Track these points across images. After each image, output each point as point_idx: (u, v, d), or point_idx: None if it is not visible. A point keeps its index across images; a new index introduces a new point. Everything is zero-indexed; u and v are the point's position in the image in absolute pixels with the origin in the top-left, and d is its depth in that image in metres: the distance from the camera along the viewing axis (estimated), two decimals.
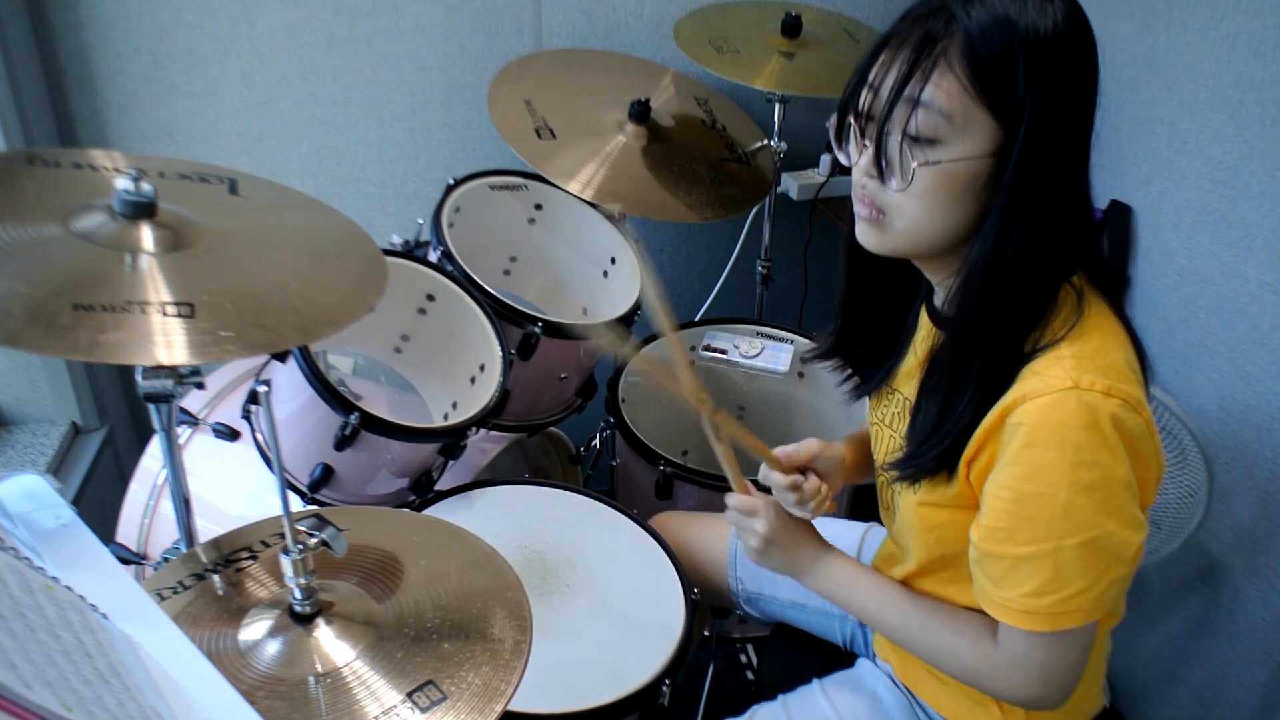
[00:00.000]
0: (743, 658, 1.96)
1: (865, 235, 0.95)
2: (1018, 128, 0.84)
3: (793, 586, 1.35)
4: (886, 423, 1.10)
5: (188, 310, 0.94)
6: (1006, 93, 0.84)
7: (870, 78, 0.90)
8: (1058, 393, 0.85)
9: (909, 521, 1.05)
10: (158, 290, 0.95)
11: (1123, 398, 0.85)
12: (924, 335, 1.04)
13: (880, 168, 0.90)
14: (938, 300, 1.02)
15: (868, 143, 0.90)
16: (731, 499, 1.13)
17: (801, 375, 1.84)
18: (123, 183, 1.01)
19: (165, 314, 0.93)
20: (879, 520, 1.31)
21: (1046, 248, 0.88)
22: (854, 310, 1.11)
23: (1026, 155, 0.85)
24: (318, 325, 1.01)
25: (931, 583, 1.08)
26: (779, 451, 1.16)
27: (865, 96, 0.90)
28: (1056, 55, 0.84)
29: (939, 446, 0.94)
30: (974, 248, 0.89)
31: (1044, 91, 0.84)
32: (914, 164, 0.87)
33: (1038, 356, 0.89)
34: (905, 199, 0.89)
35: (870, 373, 1.13)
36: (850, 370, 1.16)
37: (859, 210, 0.94)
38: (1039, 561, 0.88)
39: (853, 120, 0.92)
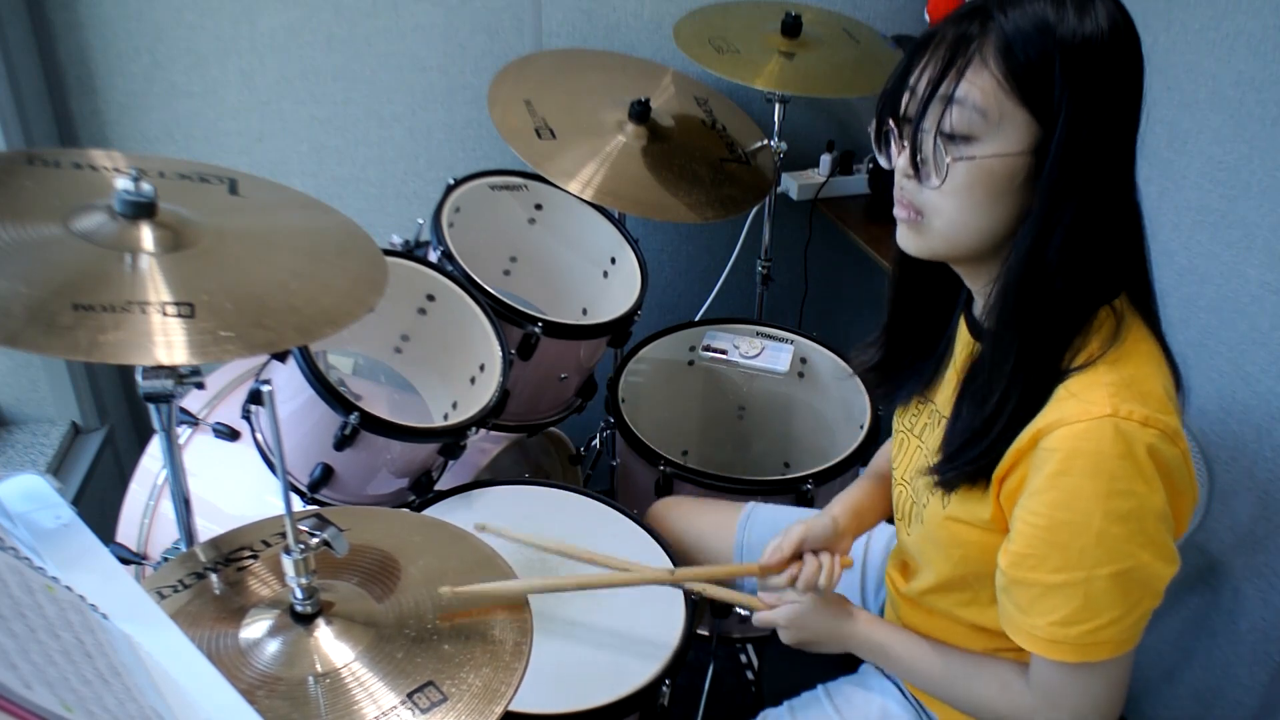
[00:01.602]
0: (743, 658, 1.96)
1: (904, 238, 0.95)
2: (1055, 126, 0.83)
3: None
4: (916, 433, 1.10)
5: (188, 310, 0.94)
6: (1043, 91, 0.83)
7: (911, 81, 0.89)
8: (1095, 420, 0.84)
9: (935, 535, 1.03)
10: (158, 290, 0.95)
11: (1160, 428, 0.84)
12: (962, 346, 1.03)
13: (917, 167, 0.89)
14: (977, 310, 1.01)
15: (906, 143, 0.90)
16: (755, 619, 1.17)
17: (801, 375, 1.84)
18: (123, 183, 1.01)
19: (165, 314, 0.92)
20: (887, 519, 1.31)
21: (1088, 254, 0.87)
22: (902, 320, 1.11)
23: (1065, 155, 0.84)
24: (318, 325, 1.01)
25: (949, 601, 1.07)
26: (764, 557, 1.17)
27: (904, 99, 0.90)
28: (1096, 60, 0.83)
29: (977, 450, 0.92)
30: (1013, 250, 0.89)
31: (1082, 94, 0.83)
32: (948, 159, 0.86)
33: (1073, 376, 0.87)
34: (942, 198, 0.89)
35: (905, 383, 1.12)
36: (886, 380, 1.15)
37: (898, 213, 0.94)
38: (1069, 590, 0.87)
39: (892, 122, 0.92)
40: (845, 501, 1.23)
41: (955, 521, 0.99)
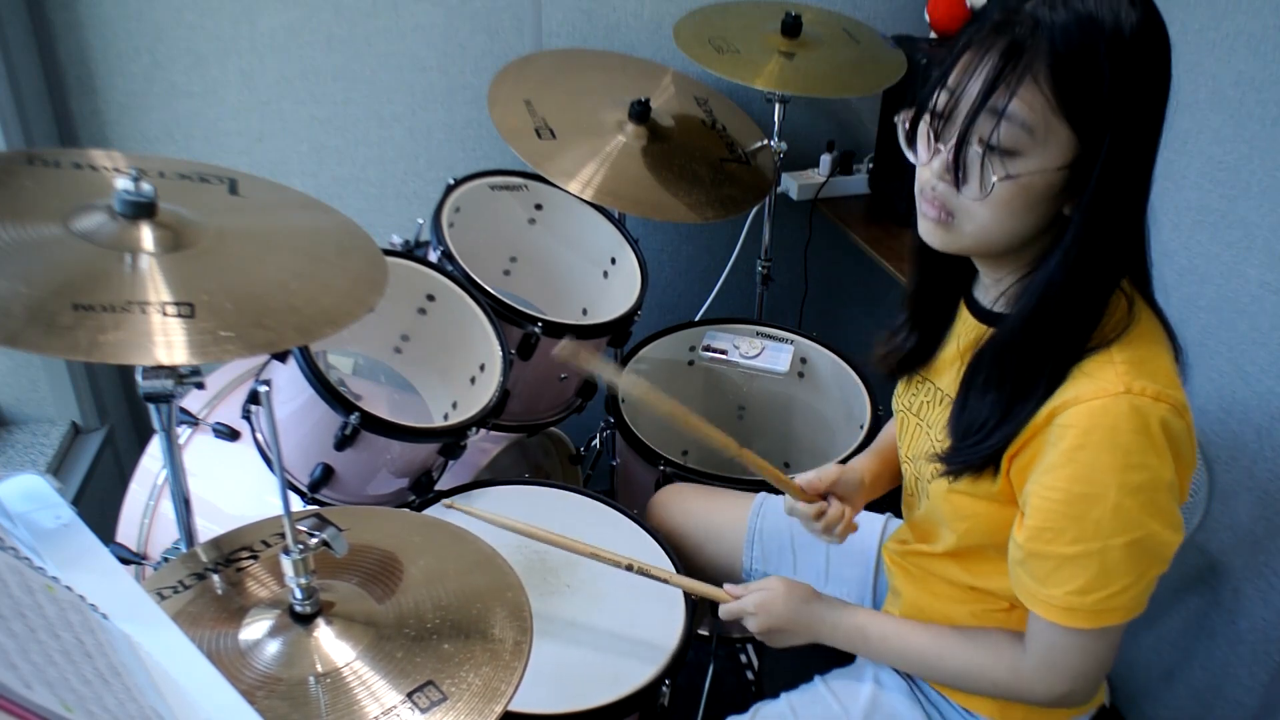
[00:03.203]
0: (743, 658, 1.96)
1: (931, 234, 0.96)
2: (1095, 138, 0.85)
3: (810, 574, 1.37)
4: (914, 411, 1.11)
5: (188, 310, 0.94)
6: (1089, 109, 0.84)
7: (951, 82, 0.89)
8: (1110, 397, 0.87)
9: (941, 510, 1.05)
10: (158, 290, 0.95)
11: (1171, 403, 0.88)
12: (966, 328, 1.05)
13: (956, 174, 0.90)
14: (984, 294, 1.03)
15: (941, 146, 0.91)
16: (721, 611, 1.19)
17: (801, 375, 1.84)
18: (123, 183, 1.01)
19: (165, 314, 0.93)
20: (895, 511, 1.32)
21: (1120, 255, 0.91)
22: (924, 307, 1.12)
23: (1107, 173, 0.86)
24: (318, 325, 1.01)
25: (940, 564, 1.10)
26: (800, 480, 1.20)
27: (944, 100, 0.90)
28: (1138, 53, 0.84)
29: (993, 437, 0.94)
30: (1054, 258, 0.90)
31: (1126, 113, 0.84)
32: (994, 178, 0.87)
33: (1087, 357, 0.90)
34: (978, 206, 0.90)
35: (905, 358, 1.13)
36: (901, 364, 1.16)
37: (926, 210, 0.95)
38: (1085, 561, 0.90)
39: (928, 121, 0.92)
40: (868, 464, 1.27)
41: (961, 494, 1.01)
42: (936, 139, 0.92)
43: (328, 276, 1.09)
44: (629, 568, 1.21)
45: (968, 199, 0.90)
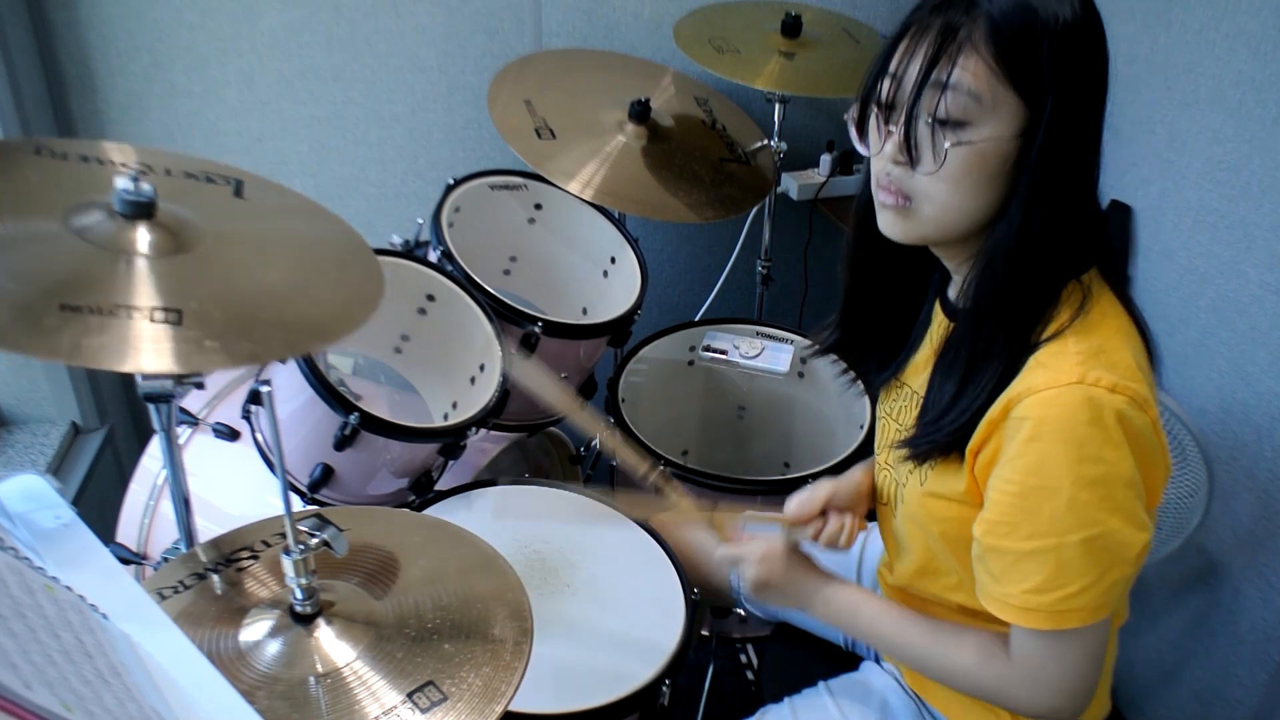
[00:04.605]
0: (743, 658, 1.96)
1: (891, 224, 0.95)
2: (1042, 107, 0.85)
3: None
4: (894, 416, 1.11)
5: (175, 317, 0.91)
6: (1032, 73, 0.85)
7: (892, 67, 0.90)
8: (1064, 387, 0.85)
9: (915, 514, 1.04)
10: (148, 294, 0.92)
11: (1129, 395, 0.86)
12: (937, 326, 1.05)
13: (909, 153, 0.90)
14: (952, 290, 1.02)
15: (892, 129, 0.90)
16: (718, 552, 1.17)
17: (801, 375, 1.84)
18: (122, 182, 0.99)
19: (152, 320, 0.90)
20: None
21: (1066, 231, 0.89)
22: (857, 307, 1.12)
23: (1051, 134, 0.86)
24: (304, 340, 0.99)
25: (938, 585, 1.08)
26: (791, 510, 1.16)
27: (887, 86, 0.90)
28: (1075, 40, 0.85)
29: (956, 423, 0.93)
30: (999, 227, 0.90)
31: (1066, 74, 0.85)
32: (946, 145, 0.87)
33: (1043, 347, 0.89)
34: (934, 183, 0.90)
35: (879, 369, 1.13)
36: (856, 367, 1.16)
37: (884, 199, 0.94)
38: (1041, 557, 0.89)
39: (875, 110, 0.93)
40: (869, 468, 1.24)
41: (933, 497, 1.00)
42: (886, 124, 0.92)
43: (322, 290, 1.07)
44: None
45: (923, 177, 0.90)
